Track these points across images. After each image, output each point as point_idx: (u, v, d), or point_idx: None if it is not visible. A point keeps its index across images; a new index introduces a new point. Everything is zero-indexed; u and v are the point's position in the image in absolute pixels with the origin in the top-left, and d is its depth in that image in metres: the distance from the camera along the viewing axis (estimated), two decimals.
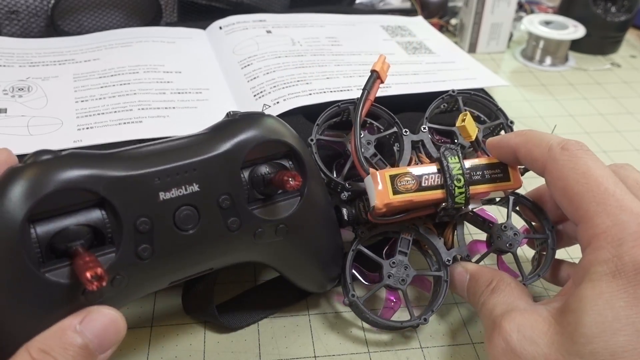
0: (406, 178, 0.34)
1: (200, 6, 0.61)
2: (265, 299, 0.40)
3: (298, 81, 0.46)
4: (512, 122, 0.41)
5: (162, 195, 0.27)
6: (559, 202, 0.28)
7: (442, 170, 0.35)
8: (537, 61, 0.75)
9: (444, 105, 0.41)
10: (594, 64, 0.75)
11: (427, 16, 0.77)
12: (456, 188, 0.34)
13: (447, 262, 0.37)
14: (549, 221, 0.38)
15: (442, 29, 0.80)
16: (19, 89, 0.45)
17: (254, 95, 0.46)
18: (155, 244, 0.27)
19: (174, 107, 0.44)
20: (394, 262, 0.36)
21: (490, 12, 0.74)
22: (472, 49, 0.77)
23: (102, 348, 0.25)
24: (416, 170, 0.34)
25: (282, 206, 0.31)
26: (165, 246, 0.28)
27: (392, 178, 0.34)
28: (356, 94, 0.37)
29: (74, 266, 0.25)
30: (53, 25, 0.56)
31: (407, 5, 0.80)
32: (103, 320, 0.25)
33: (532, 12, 0.85)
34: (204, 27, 0.57)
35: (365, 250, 0.37)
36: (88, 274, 0.23)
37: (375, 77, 0.37)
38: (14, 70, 0.47)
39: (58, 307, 0.25)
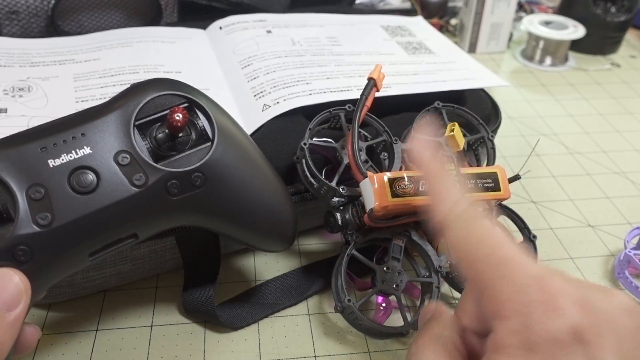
0: (404, 182, 0.34)
1: (200, 6, 0.61)
2: (265, 298, 0.40)
3: (298, 81, 0.46)
4: (492, 136, 0.41)
5: (52, 163, 0.28)
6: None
7: None
8: (537, 61, 0.75)
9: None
10: (593, 64, 0.76)
11: (427, 16, 0.77)
12: None
13: (438, 268, 0.37)
14: (530, 231, 0.40)
15: (442, 29, 0.80)
16: (20, 89, 0.45)
17: (254, 95, 0.46)
18: (54, 210, 0.27)
19: None
20: (387, 268, 0.36)
21: (490, 12, 0.74)
22: (472, 49, 0.77)
23: (7, 305, 0.25)
24: (413, 175, 0.35)
25: (193, 156, 0.31)
26: (66, 211, 0.27)
27: (391, 181, 0.34)
28: (356, 94, 0.37)
29: None
30: (53, 25, 0.56)
31: (407, 5, 0.80)
32: None
33: (532, 12, 0.85)
34: (204, 27, 0.57)
35: (359, 255, 0.37)
36: None
37: (372, 85, 0.37)
38: (14, 70, 0.47)
39: None
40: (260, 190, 0.34)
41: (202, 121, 0.32)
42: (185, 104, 0.32)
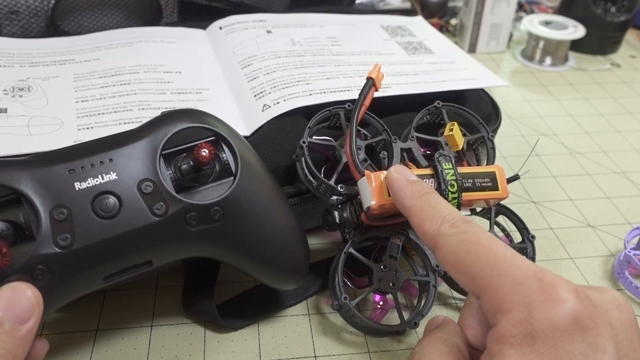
0: None
1: (200, 6, 0.61)
2: (266, 299, 0.40)
3: (298, 81, 0.46)
4: (492, 136, 0.41)
5: (78, 185, 0.28)
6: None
7: (436, 175, 0.35)
8: (537, 61, 0.75)
9: (426, 118, 0.41)
10: (593, 64, 0.75)
11: (427, 16, 0.77)
12: (450, 193, 0.34)
13: (435, 268, 0.37)
14: (529, 231, 0.40)
15: (442, 29, 0.80)
16: (20, 89, 0.45)
17: (254, 96, 0.46)
18: (75, 233, 0.28)
19: (174, 107, 0.44)
20: (384, 266, 0.36)
21: (490, 12, 0.74)
22: (472, 49, 0.77)
23: (20, 319, 0.25)
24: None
25: (215, 190, 0.31)
26: (86, 234, 0.28)
27: None
28: (356, 94, 0.37)
29: None
30: (53, 25, 0.56)
31: (407, 5, 0.80)
32: (8, 293, 0.26)
33: (532, 12, 0.85)
34: (204, 27, 0.57)
35: (357, 253, 0.37)
36: None
37: (371, 84, 0.37)
38: (14, 71, 0.47)
39: None
40: (277, 230, 0.34)
41: (227, 155, 0.32)
42: (212, 137, 0.32)
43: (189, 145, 0.31)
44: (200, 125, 0.32)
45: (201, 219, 0.30)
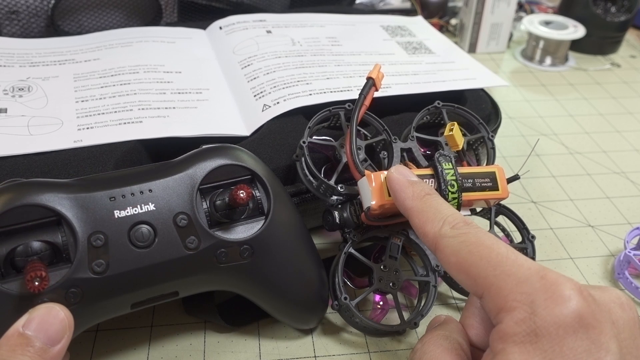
0: None
1: (200, 6, 0.61)
2: None
3: (298, 81, 0.46)
4: (492, 136, 0.41)
5: (117, 213, 0.29)
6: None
7: (436, 175, 0.35)
8: (537, 61, 0.75)
9: (426, 118, 0.41)
10: (593, 64, 0.76)
11: (427, 16, 0.77)
12: (450, 193, 0.34)
13: (435, 268, 0.37)
14: (529, 231, 0.40)
15: (442, 29, 0.80)
16: (19, 89, 0.45)
17: (254, 96, 0.46)
18: (110, 260, 0.28)
19: (174, 107, 0.44)
20: (384, 266, 0.36)
21: (490, 12, 0.74)
22: (472, 49, 0.77)
23: (51, 340, 0.26)
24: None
25: (246, 228, 0.32)
26: (120, 262, 0.29)
27: None
28: (356, 94, 0.37)
29: (24, 274, 0.26)
30: (53, 25, 0.56)
31: (407, 5, 0.80)
32: (42, 314, 0.26)
33: (532, 12, 0.85)
34: (204, 27, 0.57)
35: (357, 253, 0.37)
36: (30, 275, 0.25)
37: (371, 84, 0.37)
38: (14, 70, 0.47)
39: (12, 318, 0.26)
40: (302, 271, 0.35)
41: (261, 194, 0.33)
42: (249, 176, 0.33)
43: (226, 182, 0.32)
44: (239, 163, 0.32)
45: (230, 255, 0.31)
